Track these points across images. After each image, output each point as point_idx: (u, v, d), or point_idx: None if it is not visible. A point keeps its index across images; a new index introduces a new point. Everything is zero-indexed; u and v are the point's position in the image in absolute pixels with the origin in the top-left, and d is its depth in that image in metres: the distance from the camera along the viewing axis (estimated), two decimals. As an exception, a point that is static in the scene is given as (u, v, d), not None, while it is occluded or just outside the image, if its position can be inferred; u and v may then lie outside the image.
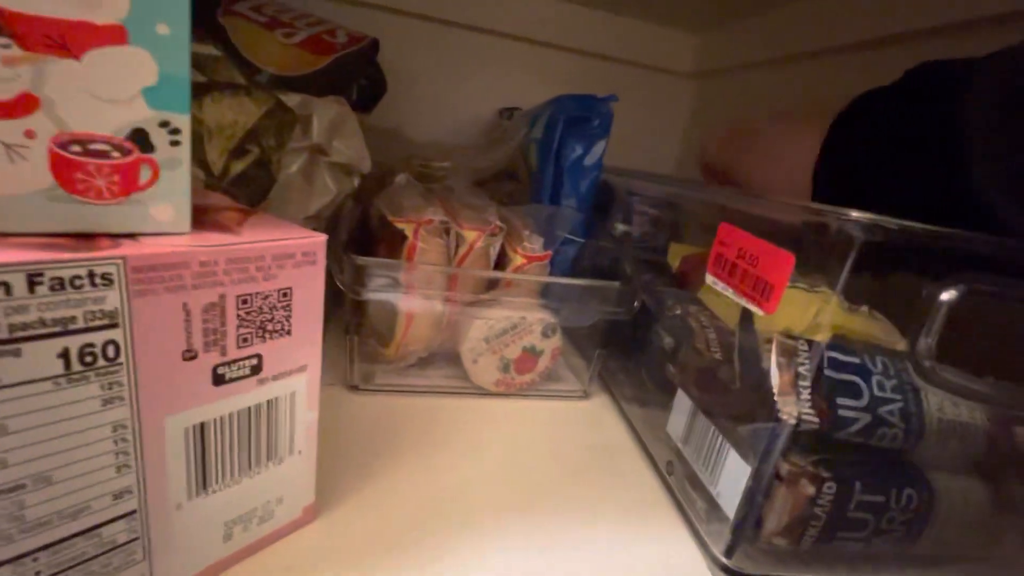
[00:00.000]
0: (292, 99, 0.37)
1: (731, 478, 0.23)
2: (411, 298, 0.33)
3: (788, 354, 0.22)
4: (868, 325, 0.25)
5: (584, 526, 0.26)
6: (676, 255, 0.40)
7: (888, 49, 0.43)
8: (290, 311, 0.19)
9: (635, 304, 0.35)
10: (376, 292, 0.32)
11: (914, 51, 0.40)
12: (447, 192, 0.42)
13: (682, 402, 0.28)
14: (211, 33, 0.48)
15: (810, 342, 0.23)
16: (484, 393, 0.37)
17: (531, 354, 0.36)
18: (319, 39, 0.51)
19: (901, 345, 0.24)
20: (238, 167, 0.30)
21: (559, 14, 0.64)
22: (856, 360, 0.22)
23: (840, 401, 0.21)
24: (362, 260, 0.31)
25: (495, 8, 0.62)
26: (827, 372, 0.22)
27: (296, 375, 0.20)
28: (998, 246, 0.19)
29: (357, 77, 0.51)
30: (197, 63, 0.30)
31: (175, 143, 0.16)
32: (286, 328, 0.19)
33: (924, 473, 0.23)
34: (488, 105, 0.66)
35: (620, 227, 0.44)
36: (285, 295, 0.19)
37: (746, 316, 0.25)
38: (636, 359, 0.37)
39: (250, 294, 0.18)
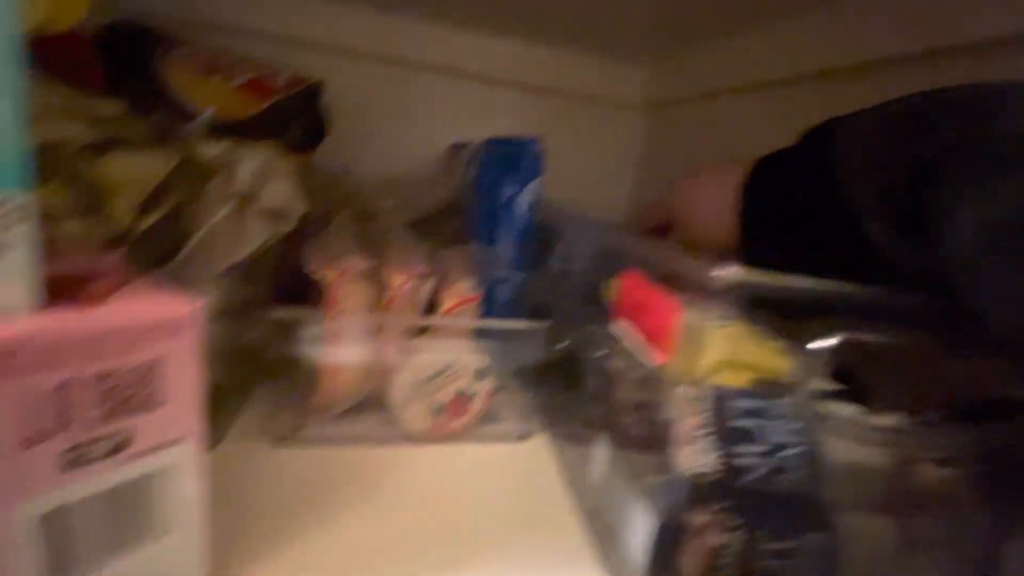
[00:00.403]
0: (215, 148, 0.36)
1: (640, 530, 0.23)
2: (333, 346, 0.32)
3: (689, 403, 0.22)
4: (783, 363, 0.25)
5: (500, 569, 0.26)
6: (614, 291, 0.40)
7: (834, 80, 0.44)
8: (161, 383, 0.18)
9: (563, 344, 0.35)
10: (294, 347, 0.31)
11: (862, 81, 0.42)
12: (383, 234, 0.42)
13: (601, 448, 0.28)
14: (146, 80, 0.48)
15: (713, 389, 0.23)
16: (415, 440, 0.36)
17: (464, 398, 0.36)
18: (259, 83, 0.51)
19: (816, 384, 0.25)
20: (146, 222, 0.30)
21: (508, 51, 0.65)
22: (757, 405, 0.22)
23: (738, 449, 0.21)
24: (278, 314, 0.31)
25: (445, 46, 0.64)
26: (727, 420, 0.22)
27: (174, 447, 0.19)
28: (848, 296, 0.19)
29: (298, 119, 0.51)
30: (99, 121, 0.30)
31: (15, 222, 0.15)
32: (157, 400, 0.18)
33: (830, 513, 0.23)
34: (441, 141, 0.67)
35: (558, 265, 0.44)
36: (151, 368, 0.18)
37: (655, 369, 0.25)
38: (572, 400, 0.37)
39: (109, 370, 0.17)
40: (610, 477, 0.27)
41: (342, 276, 0.33)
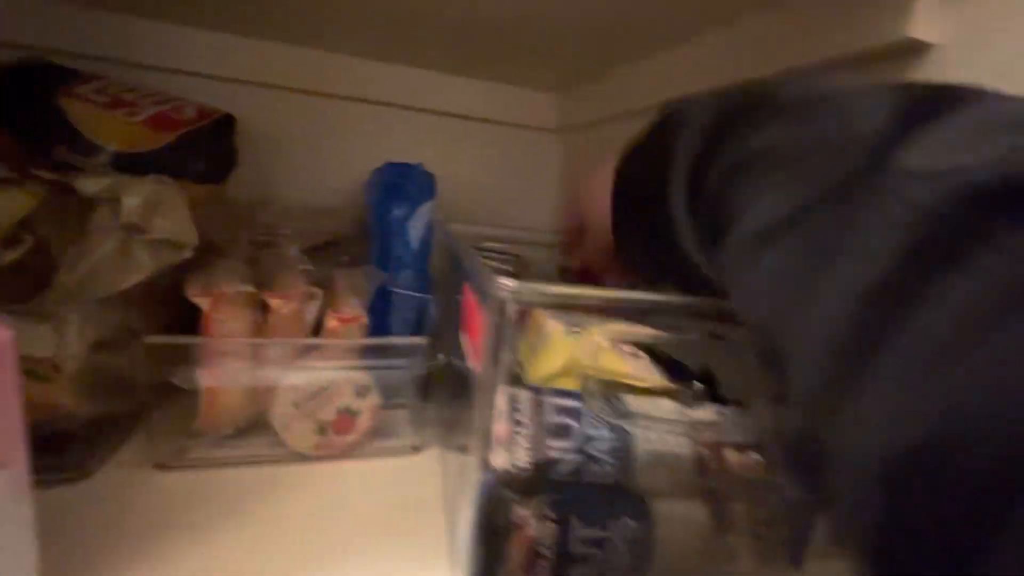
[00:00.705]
0: (97, 184, 0.37)
1: (464, 526, 0.24)
2: (210, 372, 0.33)
3: (510, 403, 0.24)
4: (622, 364, 0.27)
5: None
6: None
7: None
8: (-32, 409, 0.19)
9: (439, 357, 0.36)
10: (172, 373, 0.32)
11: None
12: (275, 259, 0.43)
13: (454, 452, 0.29)
14: (48, 116, 0.49)
15: (533, 389, 0.25)
16: (305, 459, 0.37)
17: (348, 415, 0.37)
18: (164, 116, 0.52)
19: (650, 382, 0.27)
20: (10, 256, 0.30)
21: (424, 81, 0.68)
22: (572, 404, 0.24)
23: (551, 444, 0.23)
24: (152, 340, 0.32)
25: (362, 78, 0.66)
26: (542, 417, 0.23)
27: (-11, 472, 0.20)
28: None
29: (207, 151, 0.53)
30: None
31: None
32: (-35, 426, 0.19)
33: (644, 502, 0.25)
34: (362, 170, 0.69)
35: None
36: (-44, 394, 0.19)
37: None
38: (456, 410, 0.38)
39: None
40: (454, 480, 0.28)
41: (217, 301, 0.34)
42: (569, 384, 0.26)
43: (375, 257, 0.45)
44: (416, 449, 0.40)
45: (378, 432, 0.39)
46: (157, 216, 0.40)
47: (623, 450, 0.24)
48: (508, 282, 0.20)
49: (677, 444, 0.25)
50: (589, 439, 0.23)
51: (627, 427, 0.24)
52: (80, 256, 0.36)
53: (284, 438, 0.36)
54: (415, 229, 0.44)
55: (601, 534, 0.24)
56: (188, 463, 0.35)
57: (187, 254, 0.43)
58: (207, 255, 0.45)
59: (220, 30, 0.60)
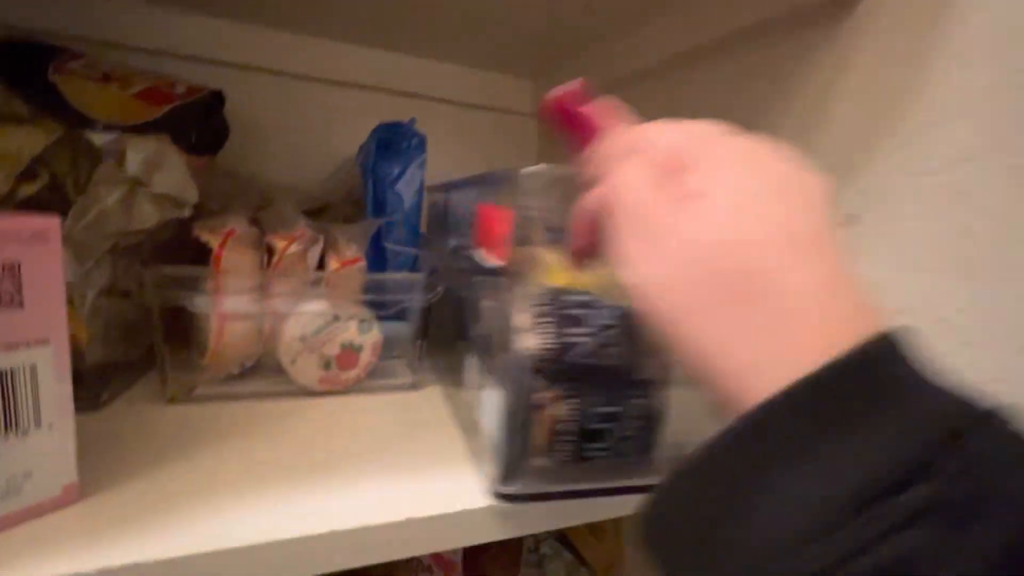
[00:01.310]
0: (103, 137, 0.39)
1: (493, 410, 0.27)
2: (219, 305, 0.35)
3: (527, 300, 0.26)
4: (600, 277, 0.30)
5: (383, 478, 0.29)
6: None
7: (703, 62, 0.51)
8: (19, 285, 0.21)
9: (436, 290, 0.39)
10: (178, 299, 0.33)
11: (724, 61, 0.49)
12: (275, 214, 0.45)
13: (471, 358, 0.32)
14: (41, 90, 0.50)
15: (546, 289, 0.27)
16: (311, 393, 0.39)
17: (351, 350, 0.39)
18: (156, 90, 0.54)
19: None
20: (27, 190, 0.32)
21: (402, 65, 0.71)
22: (585, 299, 0.27)
23: (568, 330, 0.26)
24: (162, 269, 0.33)
25: (341, 62, 0.68)
26: (560, 309, 0.26)
27: (36, 348, 0.22)
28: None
29: (198, 124, 0.54)
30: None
31: None
32: (17, 301, 0.21)
33: (651, 382, 0.27)
34: (342, 151, 0.71)
35: (452, 241, 0.48)
36: (11, 269, 0.21)
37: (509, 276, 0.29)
38: (455, 345, 0.40)
39: (-31, 266, 0.20)
40: (472, 377, 0.30)
41: (226, 239, 0.36)
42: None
43: (368, 214, 0.47)
44: (415, 386, 0.42)
45: (378, 371, 0.41)
46: (159, 172, 0.42)
47: (633, 335, 0.26)
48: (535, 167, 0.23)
49: None
50: (603, 327, 0.26)
51: (626, 318, 0.27)
52: (87, 206, 0.38)
53: (290, 372, 0.38)
54: (407, 186, 0.47)
55: (613, 409, 0.26)
56: (197, 398, 0.36)
57: (187, 212, 0.44)
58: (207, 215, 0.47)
59: (205, 13, 0.62)
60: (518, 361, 0.26)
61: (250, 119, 0.66)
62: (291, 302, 0.37)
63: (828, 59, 0.36)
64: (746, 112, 0.42)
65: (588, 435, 0.27)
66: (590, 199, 0.21)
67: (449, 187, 0.49)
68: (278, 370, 0.39)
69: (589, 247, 0.22)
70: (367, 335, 0.39)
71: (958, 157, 0.28)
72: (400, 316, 0.42)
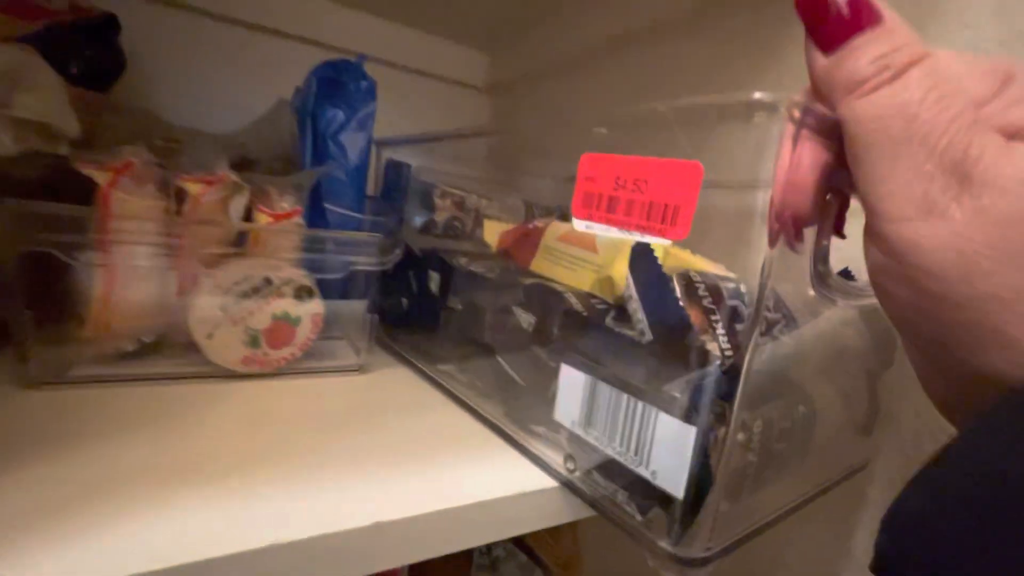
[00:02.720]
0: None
1: (669, 448, 0.19)
2: (107, 259, 0.27)
3: (689, 288, 0.20)
4: (703, 263, 0.25)
5: (346, 476, 0.22)
6: (493, 233, 0.39)
7: (658, 37, 0.49)
8: None
9: (395, 252, 0.33)
10: (47, 247, 0.25)
11: (677, 36, 0.46)
12: (189, 160, 0.36)
13: (572, 381, 0.23)
14: None
15: (705, 275, 0.21)
16: (231, 375, 0.31)
17: (286, 323, 0.32)
18: (24, 3, 0.43)
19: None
20: None
21: (341, 18, 0.63)
22: (735, 286, 0.20)
23: (740, 328, 0.19)
24: (24, 205, 0.25)
25: (270, 5, 0.60)
26: (728, 301, 0.19)
27: None
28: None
29: (80, 50, 0.44)
30: None
31: None
32: None
33: (803, 386, 0.23)
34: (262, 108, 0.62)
35: (420, 218, 0.42)
36: None
37: (640, 255, 0.21)
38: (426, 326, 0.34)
39: None
40: (594, 409, 0.22)
41: (119, 175, 0.28)
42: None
43: (305, 166, 0.40)
44: (362, 369, 0.36)
45: (315, 352, 0.34)
46: (20, 91, 0.32)
47: (796, 332, 0.21)
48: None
49: (823, 322, 0.23)
50: (770, 321, 0.21)
51: (789, 309, 0.22)
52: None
53: (205, 348, 0.30)
54: (353, 139, 0.40)
55: (788, 424, 0.22)
56: (72, 381, 0.28)
57: (63, 149, 0.35)
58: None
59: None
60: (705, 378, 0.18)
61: (157, 61, 0.55)
62: (208, 260, 0.30)
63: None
64: (730, 83, 0.41)
65: (769, 461, 0.21)
66: (856, 124, 0.14)
67: (408, 142, 0.43)
68: (186, 347, 0.31)
69: (809, 214, 0.16)
70: (306, 305, 0.32)
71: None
72: (345, 288, 0.35)
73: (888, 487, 0.30)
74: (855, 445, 0.29)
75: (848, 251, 0.24)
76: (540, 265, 0.32)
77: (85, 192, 0.28)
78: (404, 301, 0.39)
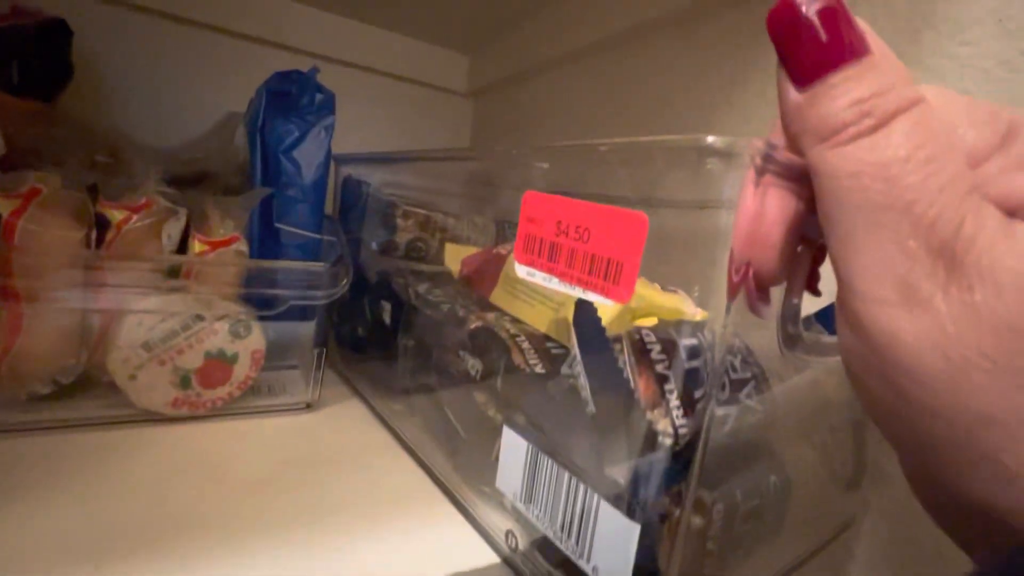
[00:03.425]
0: None
1: (611, 542, 0.16)
2: (9, 296, 0.24)
3: (639, 351, 0.17)
4: (667, 299, 0.22)
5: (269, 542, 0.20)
6: (455, 258, 0.36)
7: (641, 40, 0.46)
8: None
9: (343, 283, 0.30)
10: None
11: (659, 39, 0.43)
12: (125, 180, 0.34)
13: (512, 445, 0.20)
14: None
15: (658, 331, 0.18)
16: (160, 418, 0.29)
17: (221, 361, 0.29)
18: (-40, 7, 0.40)
19: (700, 315, 0.19)
20: None
21: (311, 19, 0.60)
22: (694, 342, 0.17)
23: (698, 396, 0.16)
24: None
25: (233, 6, 0.57)
26: (681, 364, 0.16)
27: None
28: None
29: (21, 56, 0.41)
30: None
31: None
32: None
33: (776, 452, 0.20)
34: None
35: (379, 239, 0.39)
36: None
37: (583, 309, 0.18)
38: (407, 366, 0.31)
39: None
40: (535, 482, 0.19)
41: (26, 203, 0.25)
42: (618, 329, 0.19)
43: (255, 185, 0.37)
44: (311, 406, 0.33)
45: (260, 386, 0.32)
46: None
47: (765, 393, 0.18)
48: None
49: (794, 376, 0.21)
50: (737, 383, 0.17)
51: (760, 365, 0.18)
52: None
53: (128, 391, 0.27)
54: (308, 155, 0.38)
55: (757, 501, 0.19)
56: (-25, 430, 0.25)
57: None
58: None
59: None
60: (652, 464, 0.16)
61: (109, 66, 0.52)
62: (131, 296, 0.27)
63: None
64: (719, 84, 0.38)
65: (731, 544, 0.18)
66: (828, 179, 0.12)
67: (369, 160, 0.41)
68: (113, 386, 0.29)
69: (775, 271, 0.14)
70: (243, 341, 0.30)
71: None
72: (303, 311, 0.33)
73: (878, 545, 0.27)
74: (841, 503, 0.26)
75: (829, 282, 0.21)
76: (500, 297, 0.29)
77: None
78: (359, 329, 0.36)
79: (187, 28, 0.55)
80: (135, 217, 0.27)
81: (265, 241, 0.37)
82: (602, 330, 0.17)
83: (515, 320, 0.26)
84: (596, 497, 0.16)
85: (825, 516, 0.25)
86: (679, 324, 0.18)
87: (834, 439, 0.25)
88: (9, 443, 0.25)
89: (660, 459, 0.15)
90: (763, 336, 0.19)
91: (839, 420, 0.25)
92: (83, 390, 0.29)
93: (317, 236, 0.39)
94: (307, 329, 0.34)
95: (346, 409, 0.34)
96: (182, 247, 0.30)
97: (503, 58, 0.64)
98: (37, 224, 0.25)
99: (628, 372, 0.16)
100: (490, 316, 0.27)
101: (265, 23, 0.58)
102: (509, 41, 0.62)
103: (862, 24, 0.12)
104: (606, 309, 0.18)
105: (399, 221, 0.39)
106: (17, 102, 0.40)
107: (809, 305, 0.18)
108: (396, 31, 0.65)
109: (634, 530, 0.15)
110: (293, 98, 0.36)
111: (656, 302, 0.22)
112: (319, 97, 0.37)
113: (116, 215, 0.27)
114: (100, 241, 0.28)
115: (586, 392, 0.17)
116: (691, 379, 0.16)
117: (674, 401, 0.16)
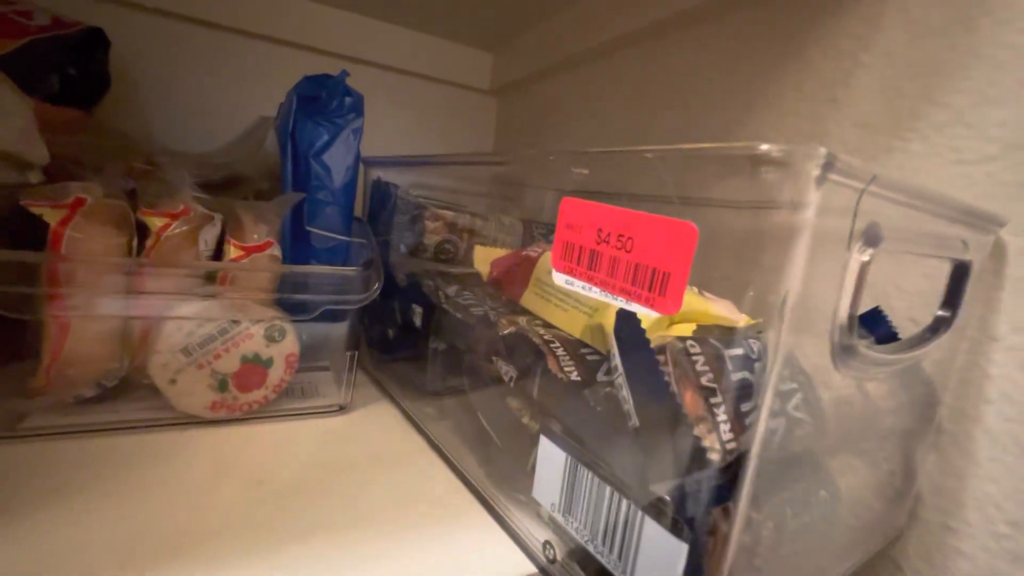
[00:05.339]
0: None
1: (656, 561, 0.16)
2: (58, 305, 0.25)
3: (683, 364, 0.16)
4: (709, 305, 0.21)
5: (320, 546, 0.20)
6: (484, 260, 0.36)
7: (668, 36, 0.45)
8: None
9: (375, 288, 0.30)
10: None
11: (687, 35, 0.42)
12: (160, 187, 0.35)
13: (549, 455, 0.20)
14: None
15: (703, 341, 0.17)
16: (199, 422, 0.29)
17: (256, 365, 0.30)
18: (6, 20, 0.41)
19: (743, 322, 0.19)
20: None
21: (337, 21, 0.61)
22: (742, 352, 0.16)
23: (747, 410, 0.15)
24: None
25: (263, 11, 0.57)
26: (729, 377, 0.16)
27: None
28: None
29: (61, 66, 0.42)
30: None
31: None
32: None
33: (824, 464, 0.20)
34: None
35: (408, 241, 0.39)
36: None
37: (625, 320, 0.17)
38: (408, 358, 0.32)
39: None
40: (574, 494, 0.19)
41: (72, 213, 0.26)
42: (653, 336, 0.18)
43: (287, 188, 0.38)
44: (344, 408, 0.33)
45: (294, 390, 0.32)
46: (-13, 119, 0.30)
47: (813, 403, 0.18)
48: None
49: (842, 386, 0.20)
50: (782, 394, 0.17)
51: (806, 373, 0.18)
52: None
53: (168, 394, 0.28)
54: (337, 158, 0.38)
55: (807, 519, 0.18)
56: (23, 432, 0.26)
57: (33, 177, 0.33)
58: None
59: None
60: (701, 482, 0.15)
61: (143, 72, 0.53)
62: (170, 302, 0.28)
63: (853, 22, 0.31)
64: (743, 80, 0.37)
65: (778, 564, 0.18)
66: None
67: (398, 163, 0.41)
68: (154, 388, 0.29)
69: None
70: (278, 345, 0.30)
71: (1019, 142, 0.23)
72: (334, 313, 0.33)
73: (924, 557, 0.26)
74: (889, 514, 0.25)
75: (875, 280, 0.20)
76: (531, 300, 0.29)
77: (31, 231, 0.26)
78: (390, 331, 0.36)
79: (221, 33, 0.56)
80: (174, 224, 0.28)
81: (295, 244, 0.37)
82: (646, 342, 0.16)
83: (547, 325, 0.26)
84: (640, 514, 0.16)
85: (873, 528, 0.24)
86: (725, 332, 0.18)
87: (882, 449, 0.24)
88: (56, 445, 0.26)
89: (708, 477, 0.15)
90: (806, 343, 0.19)
91: (887, 429, 0.24)
92: (125, 393, 0.29)
93: (347, 239, 0.40)
94: (338, 330, 0.35)
95: (377, 412, 0.34)
96: (217, 252, 0.31)
97: (526, 55, 0.64)
98: (82, 233, 0.26)
99: (673, 385, 0.16)
100: (522, 320, 0.27)
101: (290, 25, 0.58)
102: (532, 38, 0.62)
103: None
104: (643, 315, 0.18)
105: (428, 223, 0.39)
106: (57, 111, 0.42)
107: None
108: (420, 30, 0.65)
109: (682, 550, 0.14)
110: (323, 102, 0.37)
111: (698, 308, 0.22)
112: (348, 100, 0.37)
113: (156, 222, 0.28)
114: (140, 247, 0.28)
115: (629, 405, 0.17)
116: (739, 392, 0.16)
117: (721, 416, 0.16)
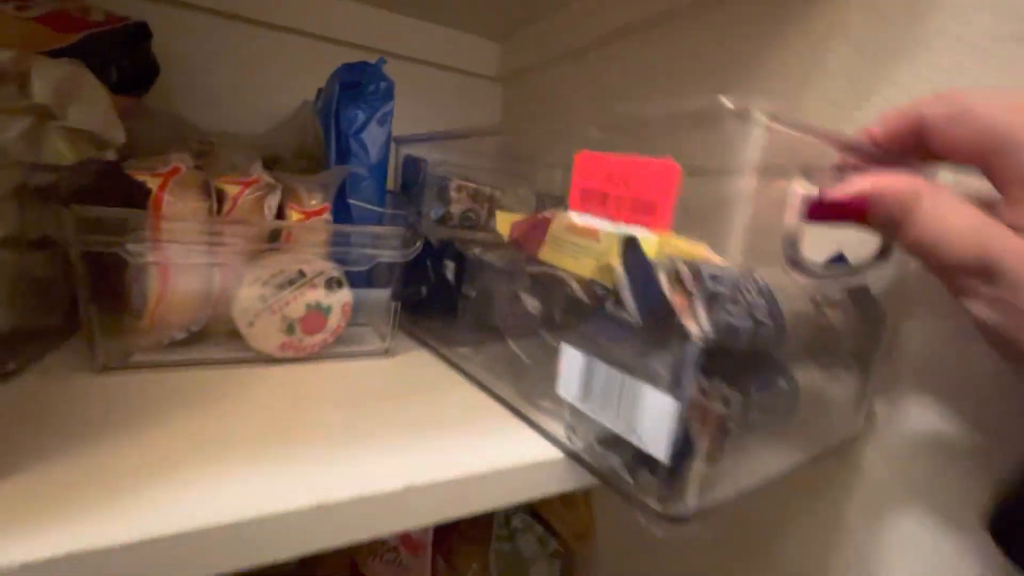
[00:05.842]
0: (2, 54, 0.32)
1: (655, 418, 0.21)
2: (160, 256, 0.30)
3: (672, 277, 0.22)
4: (693, 246, 0.27)
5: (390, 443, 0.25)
6: (504, 224, 0.41)
7: (666, 25, 0.50)
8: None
9: (416, 244, 0.35)
10: (109, 247, 0.28)
11: (687, 23, 0.47)
12: (223, 162, 0.40)
13: (571, 359, 0.25)
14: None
15: (687, 263, 0.23)
16: (270, 360, 0.35)
17: (318, 311, 0.35)
18: (65, 15, 0.46)
19: (719, 259, 0.24)
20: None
21: (357, 15, 0.65)
22: (719, 272, 0.22)
23: (723, 311, 0.22)
24: (88, 210, 0.28)
25: (291, 6, 0.62)
26: (705, 285, 0.21)
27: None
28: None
29: (116, 58, 0.47)
30: None
31: None
32: None
33: (786, 363, 0.26)
34: (289, 104, 0.65)
35: (436, 211, 0.44)
36: None
37: (628, 247, 0.23)
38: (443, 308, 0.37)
39: None
40: (591, 383, 0.25)
41: (168, 179, 0.31)
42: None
43: (331, 166, 0.43)
44: (388, 352, 0.39)
45: (344, 337, 0.37)
46: (73, 103, 0.35)
47: (777, 313, 0.23)
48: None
49: (800, 304, 0.26)
50: (753, 305, 0.23)
51: (773, 291, 0.24)
52: (-19, 136, 0.31)
53: (247, 336, 0.33)
54: (372, 137, 0.43)
55: (768, 397, 0.24)
56: (133, 365, 0.31)
57: (111, 154, 0.38)
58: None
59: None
60: (686, 355, 0.20)
61: (185, 64, 0.58)
62: (247, 257, 0.33)
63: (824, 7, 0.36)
64: (748, 67, 0.41)
65: (749, 430, 0.24)
66: None
67: (425, 139, 0.46)
68: (228, 335, 0.35)
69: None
70: (336, 295, 0.35)
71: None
72: (369, 278, 0.38)
73: (884, 459, 0.32)
74: (845, 418, 0.31)
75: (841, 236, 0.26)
76: (547, 254, 0.34)
77: (130, 195, 0.31)
78: (423, 289, 0.42)
79: (248, 26, 0.61)
80: (247, 190, 0.33)
81: (337, 215, 0.43)
82: (646, 258, 0.22)
83: (562, 271, 0.32)
84: (642, 385, 0.21)
85: (831, 425, 0.30)
86: (703, 260, 0.24)
87: (838, 363, 0.29)
88: (156, 376, 0.31)
89: (692, 351, 0.20)
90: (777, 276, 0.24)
91: (842, 348, 0.30)
92: (206, 338, 0.35)
93: (381, 210, 0.45)
94: (376, 295, 0.40)
95: (417, 355, 0.39)
96: (278, 218, 0.36)
97: (533, 44, 0.68)
98: (176, 197, 0.31)
99: (666, 290, 0.21)
100: (541, 267, 0.32)
101: (304, 17, 0.63)
102: (539, 28, 0.66)
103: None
104: (648, 246, 0.23)
105: (453, 194, 0.44)
106: (116, 98, 0.46)
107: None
108: (429, 20, 0.69)
109: (674, 406, 0.20)
110: (361, 86, 0.42)
111: (684, 248, 0.27)
112: (383, 85, 0.42)
113: (232, 189, 0.33)
114: (219, 210, 0.33)
115: (633, 307, 0.22)
116: (713, 296, 0.22)
117: (700, 311, 0.21)
